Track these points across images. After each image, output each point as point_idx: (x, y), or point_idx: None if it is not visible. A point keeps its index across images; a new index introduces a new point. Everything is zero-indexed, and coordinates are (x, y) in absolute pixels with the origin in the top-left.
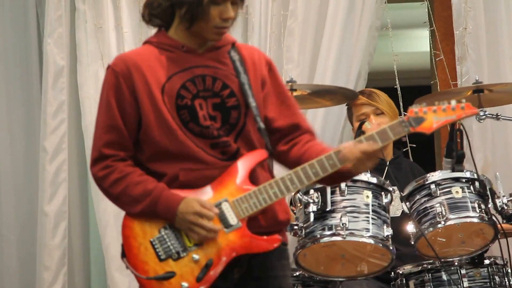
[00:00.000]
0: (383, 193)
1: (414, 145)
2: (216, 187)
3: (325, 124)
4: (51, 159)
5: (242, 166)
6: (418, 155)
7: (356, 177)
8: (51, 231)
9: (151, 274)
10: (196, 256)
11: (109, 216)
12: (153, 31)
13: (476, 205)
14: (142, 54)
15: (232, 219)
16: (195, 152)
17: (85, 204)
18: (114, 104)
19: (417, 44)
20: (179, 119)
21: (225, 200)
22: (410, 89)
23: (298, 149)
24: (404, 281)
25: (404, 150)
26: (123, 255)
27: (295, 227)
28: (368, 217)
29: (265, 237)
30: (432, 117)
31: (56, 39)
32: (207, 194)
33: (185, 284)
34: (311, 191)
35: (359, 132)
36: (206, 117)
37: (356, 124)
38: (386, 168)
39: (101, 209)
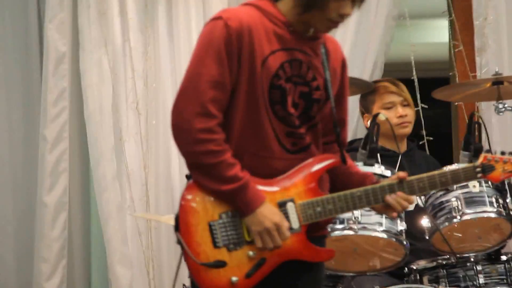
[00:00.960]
0: None
1: (431, 138)
2: (285, 182)
3: None
4: (51, 148)
5: (316, 167)
6: (435, 148)
7: (369, 170)
8: (50, 222)
9: (202, 257)
10: (251, 253)
11: (111, 207)
12: (159, 16)
13: (493, 200)
14: (252, 17)
15: (295, 223)
16: (267, 136)
17: (86, 195)
18: (225, 59)
19: (435, 35)
20: (268, 98)
21: (291, 200)
22: (427, 80)
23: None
24: (418, 277)
25: (421, 143)
26: (177, 229)
27: None
28: None
29: (320, 248)
30: (501, 167)
31: (58, 25)
32: (274, 186)
33: (235, 278)
34: None
35: (373, 124)
36: (292, 103)
37: (382, 111)
38: (399, 160)
39: (103, 200)
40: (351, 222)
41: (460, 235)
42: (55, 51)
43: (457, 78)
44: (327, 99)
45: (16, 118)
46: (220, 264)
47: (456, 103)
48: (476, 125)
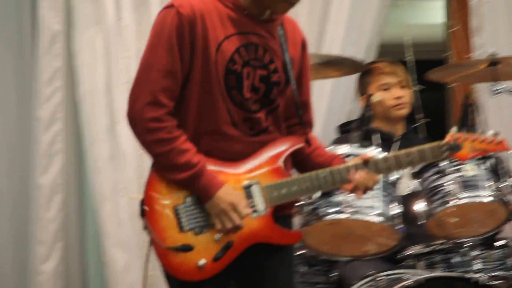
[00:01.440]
0: None
1: (429, 119)
2: (250, 165)
3: (334, 95)
4: (46, 129)
5: (280, 150)
6: (430, 129)
7: (363, 152)
8: (45, 204)
9: (169, 242)
10: (217, 236)
11: (106, 189)
12: None
13: (488, 184)
14: (205, 3)
15: (260, 205)
16: (224, 121)
17: (82, 177)
18: (176, 48)
19: (431, 16)
20: (224, 83)
21: (256, 182)
22: (421, 62)
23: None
24: (413, 262)
25: (414, 126)
26: (143, 214)
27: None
28: (375, 194)
29: (288, 231)
30: (469, 146)
31: (51, 2)
32: (239, 169)
33: (202, 261)
34: None
35: (367, 105)
36: (249, 88)
37: (379, 93)
38: (395, 143)
39: (97, 182)
40: (344, 205)
41: (455, 219)
42: (49, 30)
43: (452, 59)
44: (287, 82)
45: (9, 98)
46: (187, 248)
47: (451, 85)
48: (471, 107)
